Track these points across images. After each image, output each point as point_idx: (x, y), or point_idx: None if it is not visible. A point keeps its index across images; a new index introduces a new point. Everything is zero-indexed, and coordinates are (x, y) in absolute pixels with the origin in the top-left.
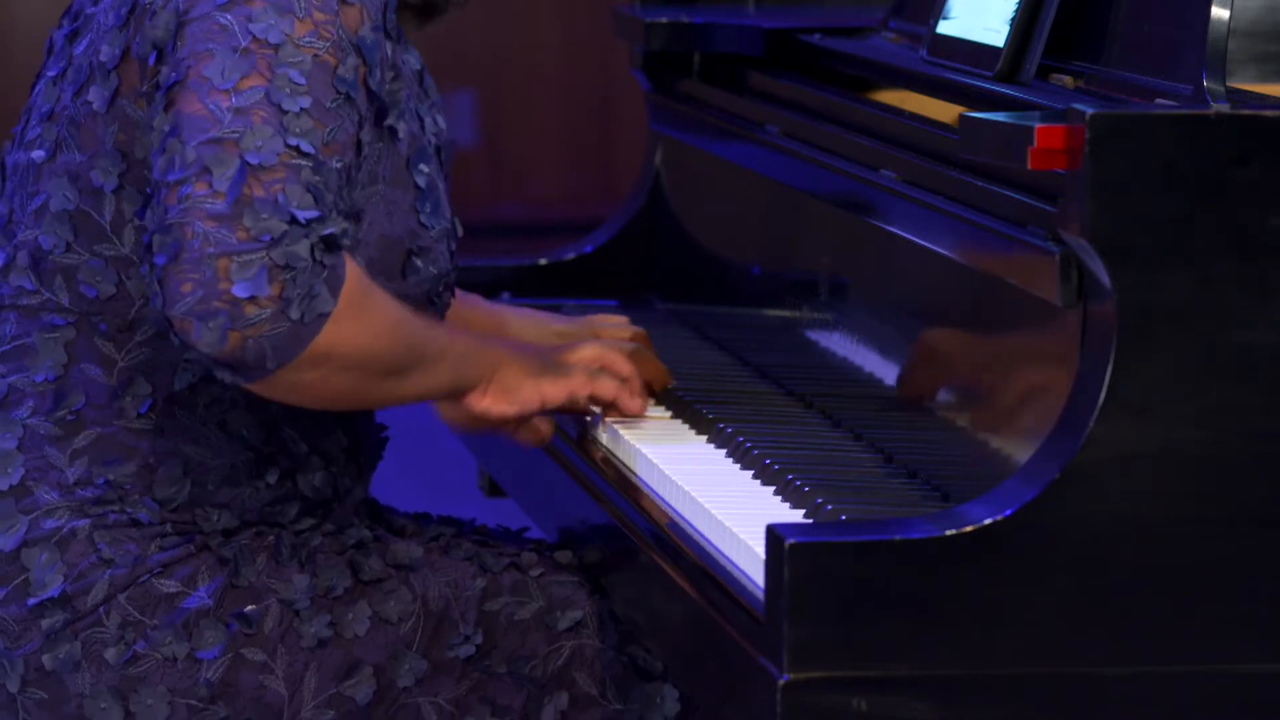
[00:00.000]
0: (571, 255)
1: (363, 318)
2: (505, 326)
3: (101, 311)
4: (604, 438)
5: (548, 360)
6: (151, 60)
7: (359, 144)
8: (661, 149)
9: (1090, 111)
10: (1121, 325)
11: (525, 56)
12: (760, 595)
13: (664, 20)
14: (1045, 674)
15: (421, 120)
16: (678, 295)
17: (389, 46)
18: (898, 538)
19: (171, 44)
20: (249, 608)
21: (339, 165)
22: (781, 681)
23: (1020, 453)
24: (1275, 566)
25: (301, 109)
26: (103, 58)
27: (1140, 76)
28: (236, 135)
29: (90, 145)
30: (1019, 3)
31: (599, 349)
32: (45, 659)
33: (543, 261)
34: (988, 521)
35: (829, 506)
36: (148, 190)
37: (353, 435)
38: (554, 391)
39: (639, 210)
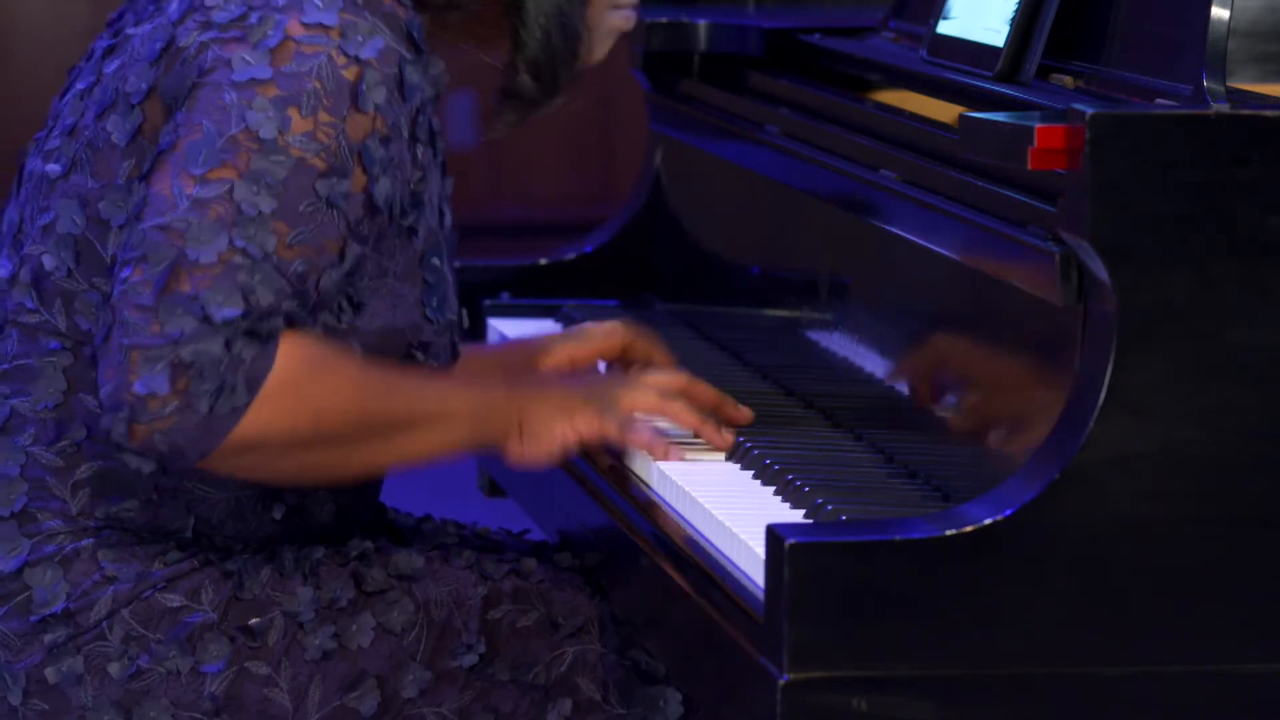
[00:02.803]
0: (571, 255)
1: (297, 401)
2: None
3: (93, 344)
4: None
5: (593, 393)
6: (174, 110)
7: (344, 248)
8: (661, 149)
9: (1090, 111)
10: (1121, 325)
11: None
12: (760, 595)
13: (664, 20)
14: (1045, 674)
15: (443, 215)
16: (678, 295)
17: (419, 150)
18: (898, 538)
19: (184, 102)
20: (253, 620)
21: (302, 268)
22: (781, 681)
23: (1020, 453)
24: (1275, 566)
25: (261, 212)
26: (128, 88)
27: (1140, 76)
28: (184, 226)
29: (104, 174)
30: (1019, 3)
31: (658, 400)
32: (47, 672)
33: (543, 261)
34: (988, 521)
35: (829, 506)
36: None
37: None
38: (588, 428)
39: (639, 210)
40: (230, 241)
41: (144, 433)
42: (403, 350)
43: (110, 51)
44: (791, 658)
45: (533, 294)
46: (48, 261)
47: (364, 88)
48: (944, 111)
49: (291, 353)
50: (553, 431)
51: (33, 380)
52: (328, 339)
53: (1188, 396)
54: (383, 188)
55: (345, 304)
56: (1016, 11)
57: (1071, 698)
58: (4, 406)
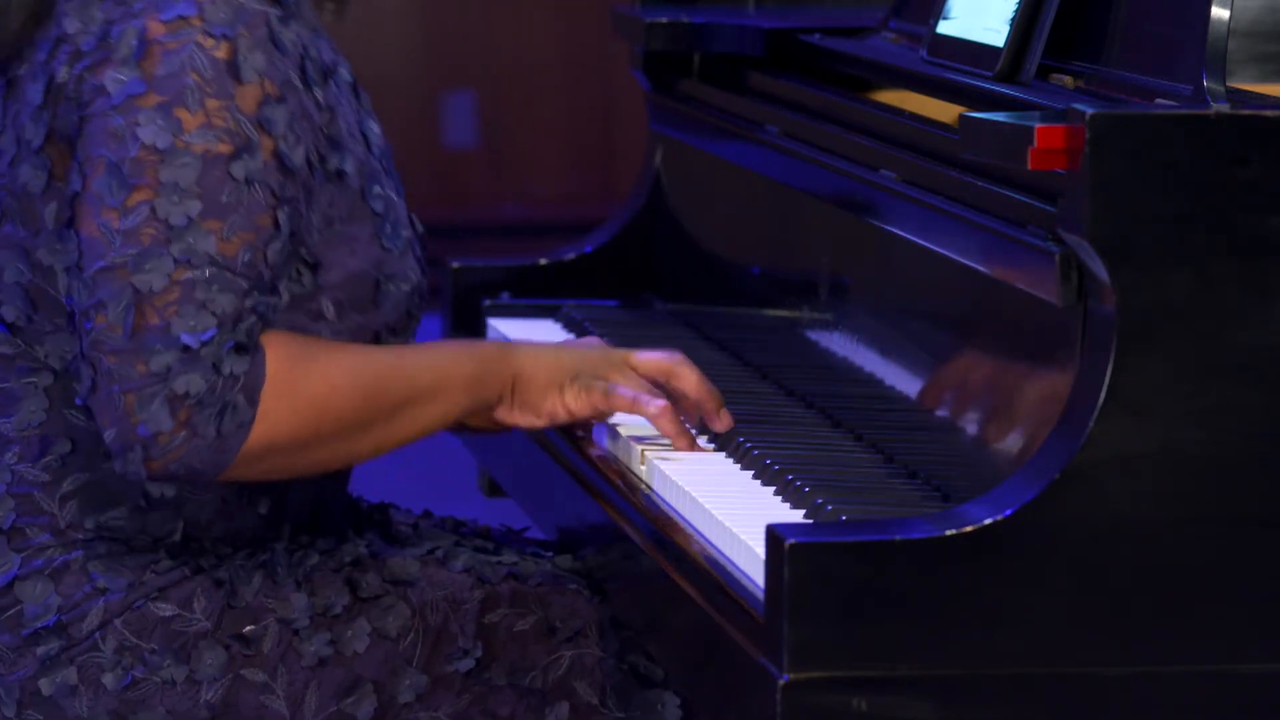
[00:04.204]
0: (571, 255)
1: (297, 401)
2: None
3: (72, 363)
4: (604, 438)
5: (583, 367)
6: (75, 147)
7: (276, 218)
8: (661, 149)
9: (1090, 111)
10: (1121, 325)
11: (525, 57)
12: (760, 595)
13: (664, 20)
14: (1045, 674)
15: (367, 139)
16: (678, 295)
17: (317, 93)
18: (898, 538)
19: (78, 139)
20: (247, 628)
21: (247, 255)
22: (781, 681)
23: (1020, 453)
24: (1275, 566)
25: (190, 219)
26: (28, 135)
27: (1140, 76)
28: (126, 261)
29: (33, 223)
30: (1019, 3)
31: (652, 370)
32: (41, 684)
33: (543, 261)
34: (988, 521)
35: (829, 506)
36: (66, 302)
37: None
38: (577, 405)
39: (639, 210)
40: (173, 260)
41: (159, 465)
42: (371, 288)
43: (9, 91)
44: (791, 658)
45: (533, 294)
46: (7, 313)
47: (240, 60)
48: (944, 111)
49: (277, 355)
50: (542, 404)
51: (14, 403)
52: (304, 333)
53: (1188, 396)
54: (292, 145)
55: (302, 267)
56: (1016, 11)
57: (1071, 698)
58: None
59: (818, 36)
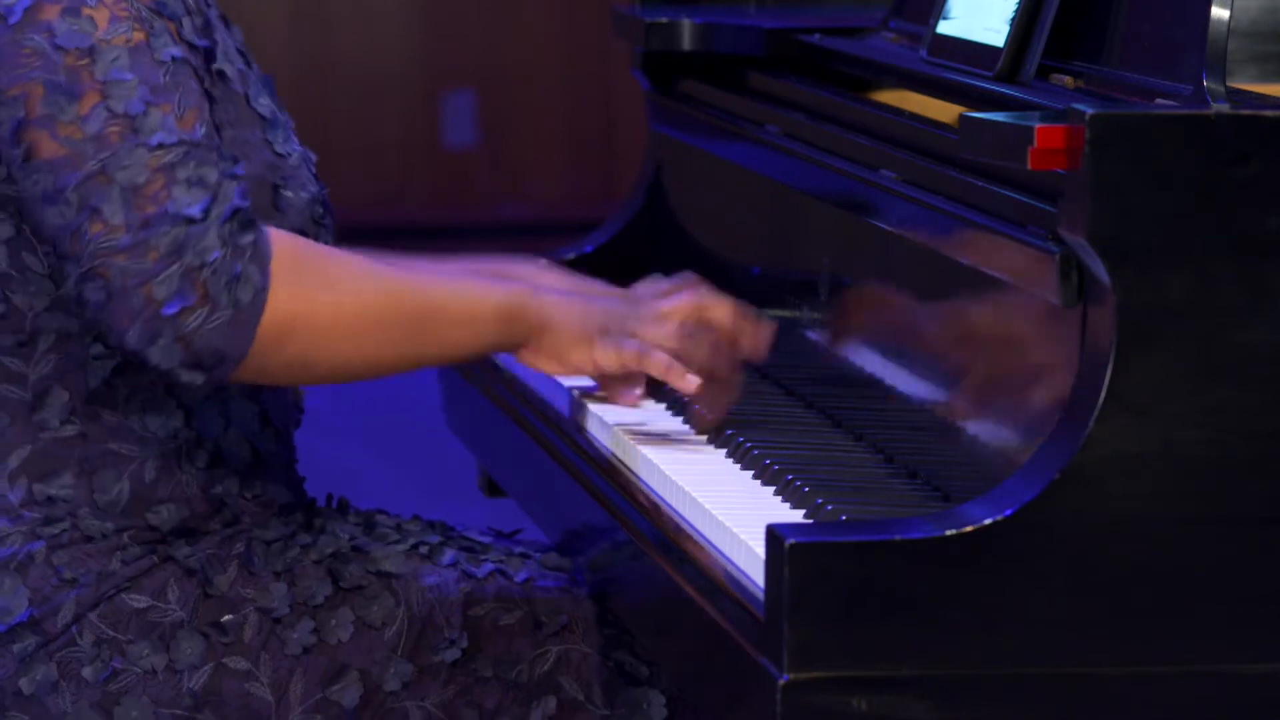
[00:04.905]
0: (571, 255)
1: (310, 281)
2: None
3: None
4: (604, 437)
5: (613, 321)
6: None
7: (206, 88)
8: (661, 149)
9: (1090, 111)
10: (1121, 325)
11: (525, 57)
12: (760, 595)
13: (664, 20)
14: (1045, 674)
15: (246, 57)
16: None
17: None
18: (898, 538)
19: None
20: (225, 617)
21: (203, 128)
22: (781, 681)
23: (1020, 453)
24: (1275, 566)
25: (146, 104)
26: None
27: (1140, 76)
28: (101, 165)
29: None
30: (1019, 3)
31: (677, 338)
32: (22, 683)
33: (542, 262)
34: (988, 521)
35: (829, 506)
36: (47, 235)
37: (260, 402)
38: (605, 361)
39: (639, 210)
40: (146, 149)
41: (187, 344)
42: (270, 193)
43: None
44: (791, 658)
45: None
46: None
47: None
48: (944, 111)
49: (283, 238)
50: (569, 355)
51: None
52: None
53: (1188, 396)
54: (187, 27)
55: None
56: (1016, 11)
57: (1071, 698)
58: None
59: (818, 36)
